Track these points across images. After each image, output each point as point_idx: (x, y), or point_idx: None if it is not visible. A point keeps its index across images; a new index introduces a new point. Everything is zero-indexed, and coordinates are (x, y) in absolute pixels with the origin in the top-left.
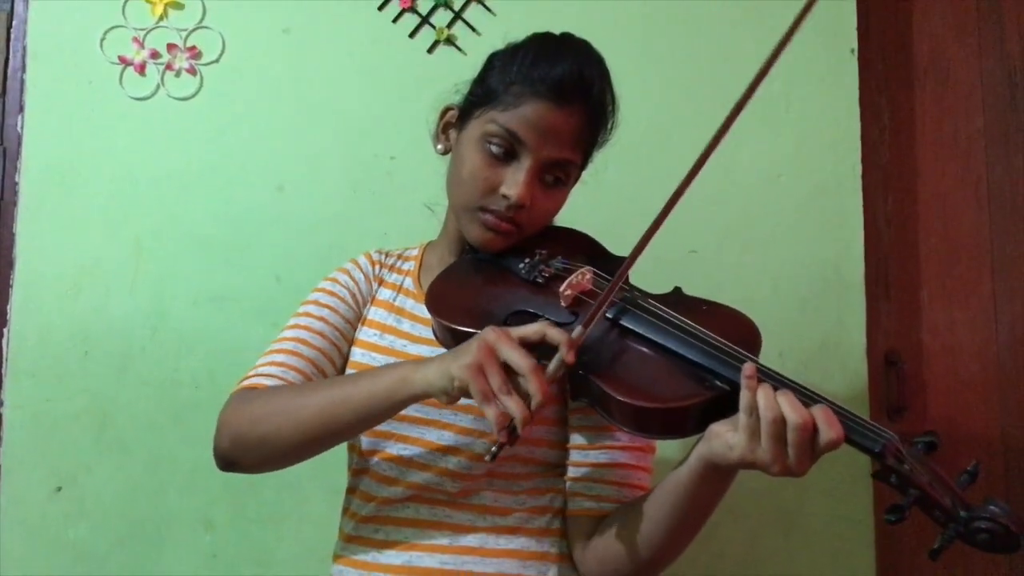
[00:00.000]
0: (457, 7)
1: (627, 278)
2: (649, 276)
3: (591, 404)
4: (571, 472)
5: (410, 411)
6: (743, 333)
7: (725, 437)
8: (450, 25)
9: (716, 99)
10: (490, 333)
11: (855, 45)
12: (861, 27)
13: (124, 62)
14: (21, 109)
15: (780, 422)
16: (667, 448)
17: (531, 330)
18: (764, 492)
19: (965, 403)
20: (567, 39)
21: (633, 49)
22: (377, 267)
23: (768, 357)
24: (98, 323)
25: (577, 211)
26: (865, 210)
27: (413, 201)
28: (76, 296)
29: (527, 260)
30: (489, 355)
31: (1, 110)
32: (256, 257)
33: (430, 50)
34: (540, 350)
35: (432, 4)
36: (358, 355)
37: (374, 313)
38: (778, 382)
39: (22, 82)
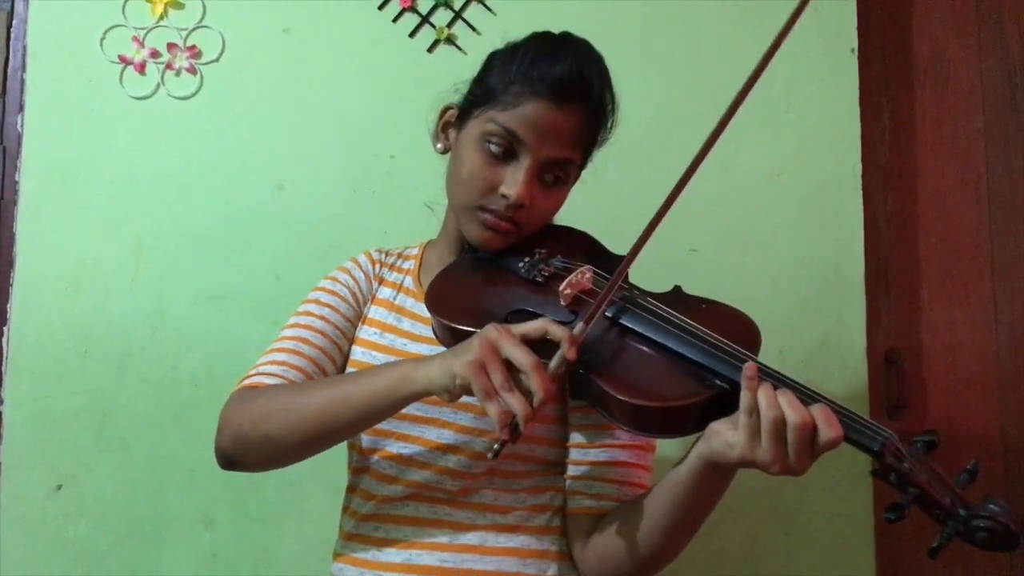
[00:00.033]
0: (457, 7)
1: (627, 277)
2: (649, 275)
3: (591, 403)
4: (571, 470)
5: (410, 409)
6: (743, 332)
7: (725, 436)
8: (450, 24)
9: (716, 99)
10: (492, 330)
11: (855, 45)
12: (861, 27)
13: (124, 61)
14: (21, 108)
15: (781, 422)
16: (667, 446)
17: (533, 327)
18: (764, 490)
19: (965, 402)
20: (567, 38)
21: (633, 49)
22: (377, 266)
23: (768, 356)
24: (98, 322)
25: (577, 210)
26: (865, 209)
27: (413, 200)
28: (76, 295)
29: (527, 259)
30: (491, 352)
31: (1, 109)
32: (256, 256)
33: (430, 49)
34: (541, 347)
35: (432, 4)
36: (358, 354)
37: (374, 312)
38: (777, 381)
39: (22, 81)
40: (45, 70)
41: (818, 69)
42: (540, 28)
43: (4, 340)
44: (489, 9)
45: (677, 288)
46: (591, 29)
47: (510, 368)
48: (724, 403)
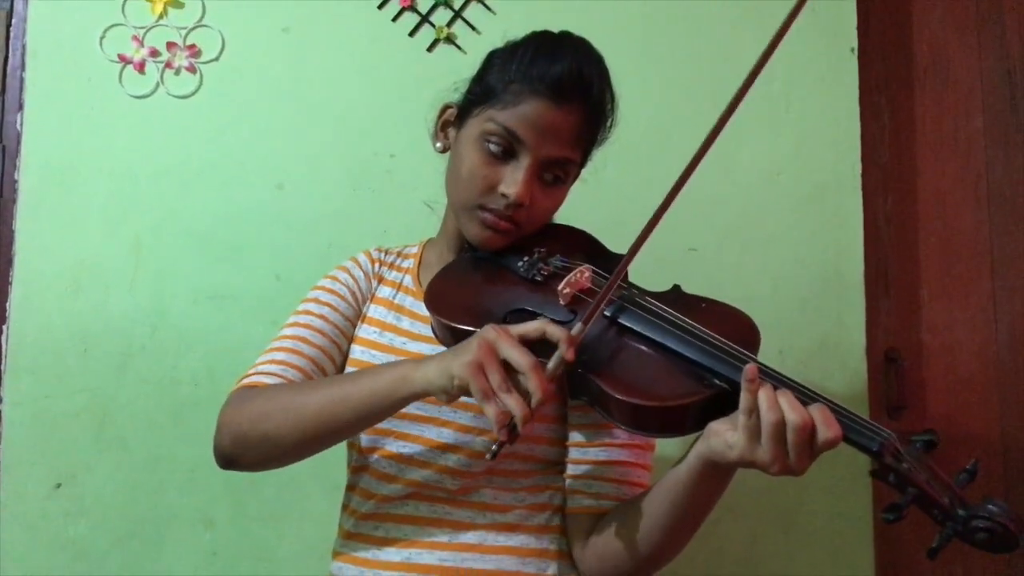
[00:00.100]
0: (457, 6)
1: (626, 276)
2: (648, 274)
3: (590, 402)
4: (570, 470)
5: (410, 408)
6: (742, 331)
7: (724, 436)
8: (450, 24)
9: (716, 99)
10: (490, 331)
11: (855, 44)
12: (861, 26)
13: (124, 60)
14: (20, 107)
15: (781, 424)
16: (666, 446)
17: (531, 327)
18: (763, 490)
19: (964, 402)
20: (566, 37)
21: (633, 48)
22: (377, 265)
23: (768, 355)
24: (98, 321)
25: (576, 209)
26: (865, 209)
27: (413, 199)
28: (76, 294)
29: (526, 258)
30: (489, 353)
31: (1, 108)
32: (256, 255)
33: (430, 49)
34: (540, 348)
35: (432, 3)
36: (358, 353)
37: (374, 311)
38: (776, 381)
39: (22, 80)
40: (44, 69)
41: (818, 69)
42: (540, 27)
43: (3, 339)
44: (489, 8)
45: (676, 287)
46: (591, 28)
47: (508, 369)
48: (723, 403)
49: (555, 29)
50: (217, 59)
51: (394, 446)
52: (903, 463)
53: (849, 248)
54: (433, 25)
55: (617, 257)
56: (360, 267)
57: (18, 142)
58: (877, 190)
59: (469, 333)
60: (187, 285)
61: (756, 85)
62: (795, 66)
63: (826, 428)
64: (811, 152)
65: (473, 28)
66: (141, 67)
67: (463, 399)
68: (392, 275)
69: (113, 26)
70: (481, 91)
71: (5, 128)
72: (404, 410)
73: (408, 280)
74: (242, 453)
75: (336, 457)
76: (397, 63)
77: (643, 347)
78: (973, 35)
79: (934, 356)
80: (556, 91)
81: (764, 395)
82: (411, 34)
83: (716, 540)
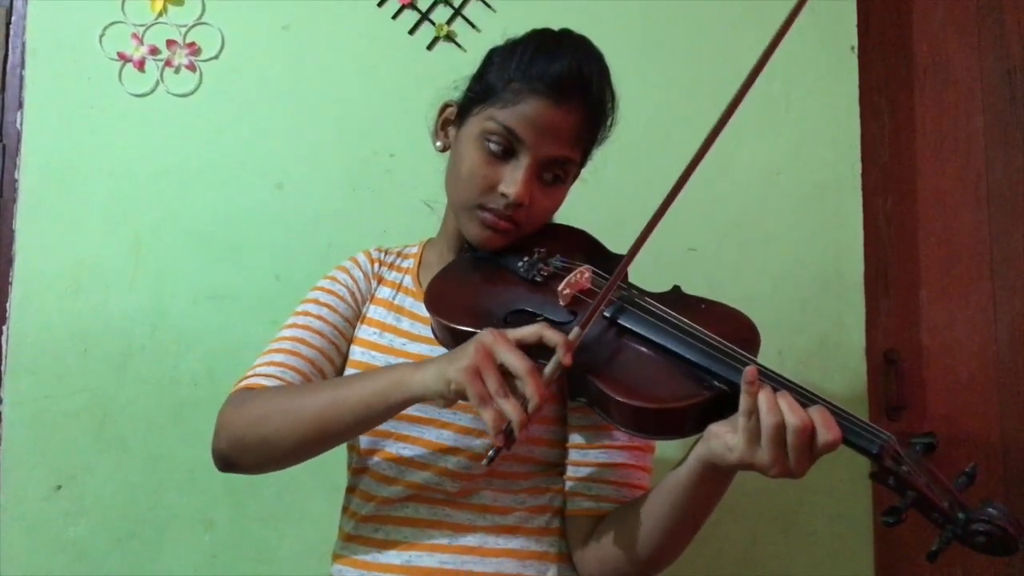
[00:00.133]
0: (457, 4)
1: (626, 276)
2: (648, 274)
3: (589, 404)
4: (570, 472)
5: (410, 410)
6: (742, 332)
7: (724, 438)
8: (450, 22)
9: (716, 98)
10: (487, 335)
11: (855, 43)
12: (861, 25)
13: (123, 58)
14: (20, 105)
15: (781, 426)
16: (667, 448)
17: (528, 332)
18: (763, 492)
19: (964, 402)
20: (566, 36)
21: (633, 47)
22: (376, 265)
23: (767, 356)
24: (97, 321)
25: (576, 209)
26: (865, 209)
27: (412, 199)
28: (75, 293)
29: (526, 258)
30: (486, 358)
31: (0, 106)
32: (255, 255)
33: (430, 47)
34: (538, 352)
35: (431, 1)
36: (358, 354)
37: (373, 311)
38: (776, 383)
39: (21, 78)
40: (44, 67)
41: (818, 68)
42: (540, 25)
43: (3, 339)
44: (489, 6)
45: (676, 288)
46: (591, 27)
47: (505, 374)
48: (723, 405)
49: (555, 27)
50: (217, 57)
51: (394, 448)
52: (903, 466)
53: (849, 248)
54: (433, 23)
55: (617, 257)
56: (359, 267)
57: (18, 141)
58: (877, 190)
59: (469, 334)
60: (187, 284)
61: (756, 85)
62: (795, 66)
63: (826, 430)
64: (811, 152)
65: (473, 26)
66: (141, 65)
67: (463, 401)
68: (392, 275)
69: (113, 24)
70: (481, 89)
71: (5, 127)
72: (404, 412)
73: (408, 280)
74: (240, 455)
75: (336, 459)
76: (397, 61)
77: (643, 348)
78: (973, 35)
79: (934, 356)
80: (556, 90)
81: (764, 397)
82: (411, 32)
83: (716, 542)
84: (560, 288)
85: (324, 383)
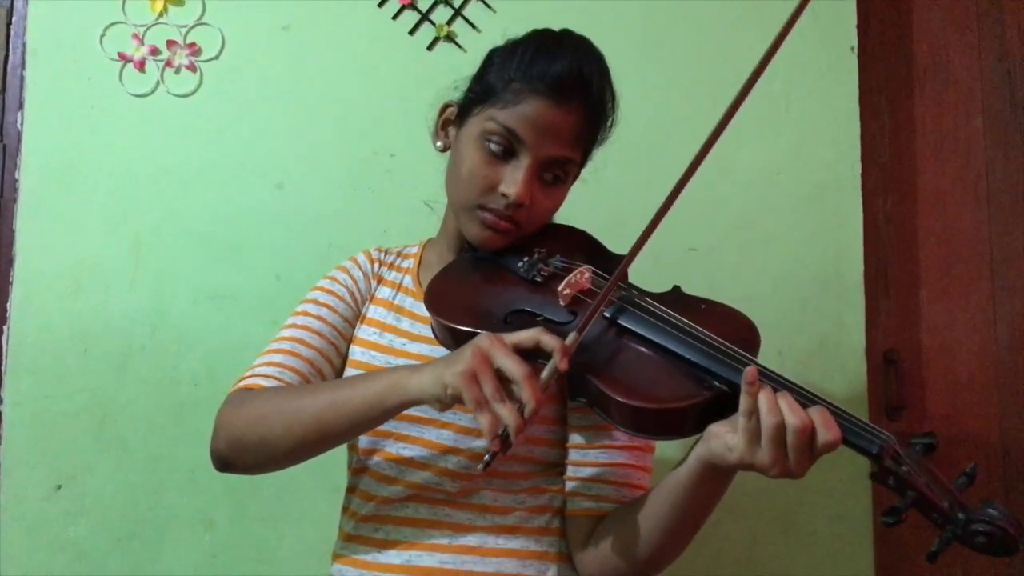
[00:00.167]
0: (457, 4)
1: (626, 277)
2: (648, 274)
3: (589, 404)
4: (570, 472)
5: (410, 410)
6: (742, 332)
7: (724, 439)
8: (450, 22)
9: (716, 98)
10: (484, 340)
11: (855, 43)
12: (861, 25)
13: (124, 59)
14: (21, 106)
15: (781, 427)
16: (667, 448)
17: (525, 336)
18: (763, 492)
19: (964, 402)
20: (566, 36)
21: (633, 48)
22: (376, 265)
23: (767, 356)
24: (98, 321)
25: (576, 209)
26: (864, 209)
27: (412, 199)
28: (76, 293)
29: (526, 259)
30: (483, 362)
31: (1, 106)
32: (256, 255)
33: (430, 47)
34: (536, 355)
35: (432, 1)
36: (357, 354)
37: (373, 311)
38: (776, 383)
39: (22, 79)
40: (45, 67)
41: (818, 68)
42: (540, 26)
43: (4, 339)
44: (489, 7)
45: (676, 288)
46: (591, 27)
47: (502, 378)
48: (722, 405)
49: (555, 27)
50: (217, 57)
51: (394, 448)
52: (903, 466)
53: (849, 248)
54: (433, 23)
55: (617, 258)
56: (359, 267)
57: (18, 141)
58: (877, 190)
59: (469, 334)
60: (187, 284)
61: (756, 85)
62: (795, 66)
63: (826, 431)
64: (811, 152)
65: (473, 26)
66: (141, 65)
67: (459, 405)
68: (392, 275)
69: (113, 24)
70: (481, 90)
71: (5, 127)
72: (404, 412)
73: (408, 280)
74: (239, 456)
75: (336, 459)
76: (397, 61)
77: (643, 349)
78: (973, 35)
79: (933, 357)
80: (556, 90)
81: (764, 398)
82: (411, 32)
83: (716, 542)
84: (560, 288)
85: (323, 385)
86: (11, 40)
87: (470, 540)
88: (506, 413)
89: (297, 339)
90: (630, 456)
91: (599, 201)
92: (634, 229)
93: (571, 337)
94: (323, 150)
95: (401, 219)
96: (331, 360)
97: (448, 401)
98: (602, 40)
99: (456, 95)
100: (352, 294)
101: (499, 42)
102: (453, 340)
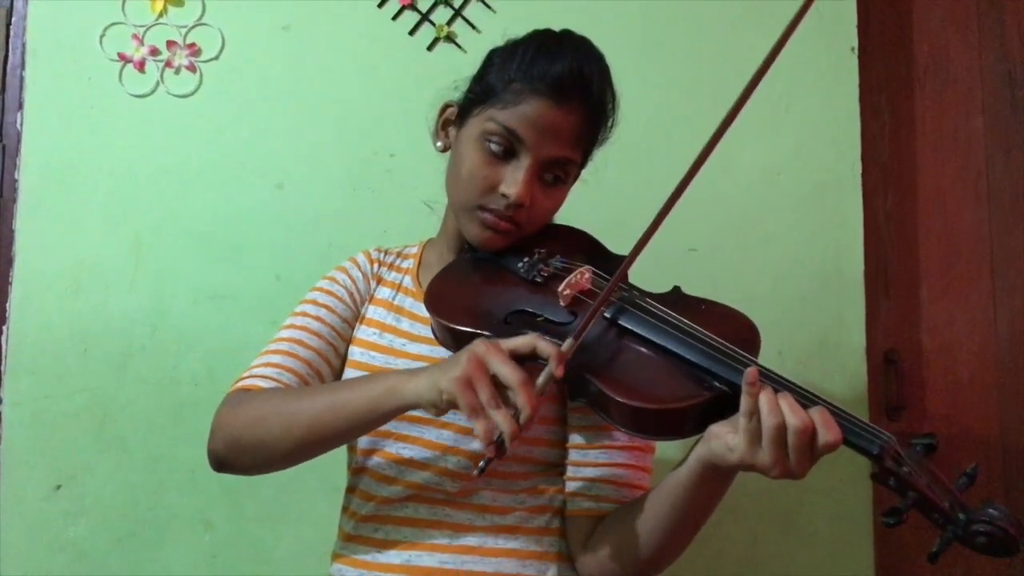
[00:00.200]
0: (457, 4)
1: (626, 277)
2: (648, 274)
3: (589, 404)
4: (570, 472)
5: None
6: (742, 333)
7: (725, 439)
8: (450, 23)
9: (716, 98)
10: (480, 346)
11: (855, 43)
12: (861, 25)
13: (123, 59)
14: (20, 106)
15: (782, 427)
16: (667, 448)
17: (521, 343)
18: (764, 492)
19: (964, 402)
20: (567, 36)
21: (633, 48)
22: (376, 265)
23: (767, 355)
24: (97, 321)
25: (577, 209)
26: (865, 208)
27: (413, 199)
28: (75, 294)
29: (526, 259)
30: (479, 368)
31: (1, 106)
32: (256, 255)
33: (430, 47)
34: (532, 360)
35: (432, 1)
36: (357, 354)
37: (373, 312)
38: (777, 383)
39: (21, 79)
40: (44, 68)
41: (818, 68)
42: (540, 26)
43: (3, 339)
44: (489, 7)
45: (676, 289)
46: (591, 27)
47: (498, 384)
48: (723, 405)
49: (556, 28)
50: (217, 58)
51: (393, 448)
52: (903, 466)
53: (849, 247)
54: (433, 24)
55: (617, 258)
56: (359, 268)
57: (18, 141)
58: (877, 189)
59: (469, 334)
60: (187, 285)
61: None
62: (795, 66)
63: (826, 431)
64: (811, 151)
65: (473, 27)
66: (141, 66)
67: (455, 410)
68: (391, 276)
69: (113, 24)
70: (481, 90)
71: (5, 127)
72: None
73: (408, 281)
74: (236, 457)
75: (336, 459)
76: (397, 62)
77: (643, 349)
78: (973, 35)
79: (934, 355)
80: (557, 90)
81: (765, 398)
82: (411, 33)
83: (716, 542)
84: (560, 289)
85: (321, 387)
86: (11, 40)
87: (470, 540)
88: (501, 419)
89: (295, 340)
90: (630, 456)
91: (599, 201)
92: (634, 229)
93: (568, 343)
94: (323, 150)
95: (401, 219)
96: (329, 361)
97: (444, 407)
98: (602, 40)
99: (456, 95)
100: (351, 295)
101: (499, 42)
102: (453, 341)
